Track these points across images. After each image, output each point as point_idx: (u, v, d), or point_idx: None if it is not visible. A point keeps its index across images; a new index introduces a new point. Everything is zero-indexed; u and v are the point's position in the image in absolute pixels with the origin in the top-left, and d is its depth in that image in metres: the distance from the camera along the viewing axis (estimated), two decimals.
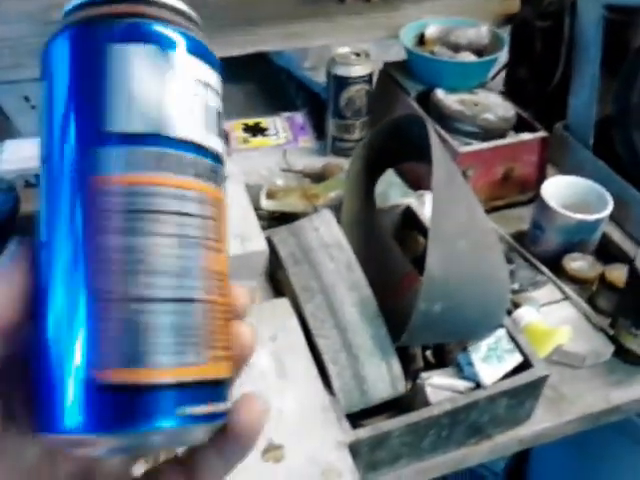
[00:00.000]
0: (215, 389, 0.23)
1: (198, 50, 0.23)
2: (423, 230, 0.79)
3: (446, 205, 0.63)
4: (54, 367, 0.21)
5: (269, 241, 0.73)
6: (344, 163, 0.92)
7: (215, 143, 0.23)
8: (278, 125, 1.05)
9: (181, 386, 0.21)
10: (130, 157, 0.21)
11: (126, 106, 0.21)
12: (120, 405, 0.20)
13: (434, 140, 0.64)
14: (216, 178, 0.23)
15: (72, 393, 0.20)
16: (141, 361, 0.21)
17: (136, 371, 0.21)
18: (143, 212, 0.21)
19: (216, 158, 0.23)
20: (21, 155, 0.85)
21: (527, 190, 0.96)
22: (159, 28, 0.22)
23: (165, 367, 0.21)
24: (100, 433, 0.21)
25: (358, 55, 0.96)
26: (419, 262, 0.73)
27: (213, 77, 0.24)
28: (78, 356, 0.21)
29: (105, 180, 0.21)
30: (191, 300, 0.22)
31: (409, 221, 0.83)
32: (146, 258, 0.21)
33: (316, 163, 0.98)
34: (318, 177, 0.95)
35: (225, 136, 1.00)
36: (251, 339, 0.25)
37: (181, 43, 0.22)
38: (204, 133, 0.23)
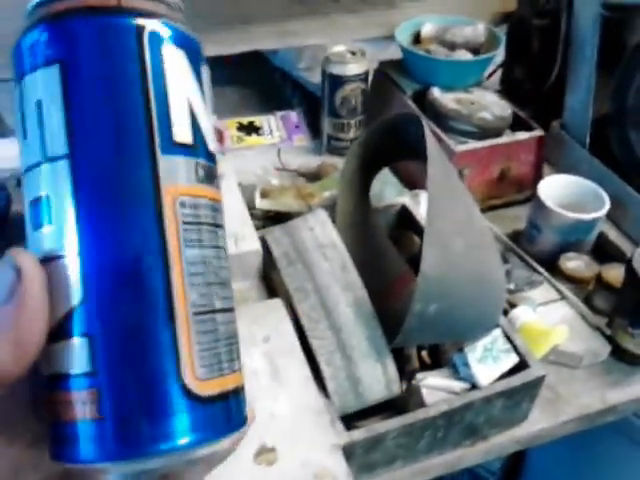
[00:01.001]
0: (243, 395, 0.23)
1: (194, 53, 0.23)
2: (418, 230, 0.79)
3: (441, 204, 0.62)
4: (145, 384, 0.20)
5: (263, 241, 0.72)
6: (339, 162, 0.92)
7: (215, 146, 0.23)
8: (272, 124, 1.04)
9: (235, 392, 0.22)
10: (187, 168, 0.21)
11: (184, 116, 0.22)
12: (214, 413, 0.21)
13: (430, 139, 0.63)
14: (214, 182, 0.23)
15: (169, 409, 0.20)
16: (222, 370, 0.22)
17: (220, 380, 0.22)
18: (205, 224, 0.22)
19: (213, 160, 0.23)
20: (13, 154, 0.84)
21: (523, 189, 0.96)
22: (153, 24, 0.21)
23: (231, 375, 0.22)
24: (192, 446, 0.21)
25: (353, 54, 0.96)
26: (414, 262, 0.73)
27: (206, 77, 0.23)
28: (170, 366, 0.21)
29: (176, 190, 0.21)
30: (231, 310, 0.23)
31: (404, 221, 0.83)
32: (213, 270, 0.22)
33: (311, 162, 0.97)
34: (313, 176, 0.94)
35: (219, 135, 0.99)
36: None
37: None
38: (213, 141, 0.23)
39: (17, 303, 0.19)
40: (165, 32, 0.21)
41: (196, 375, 0.21)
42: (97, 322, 0.20)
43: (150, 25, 0.21)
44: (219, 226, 0.23)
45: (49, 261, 0.20)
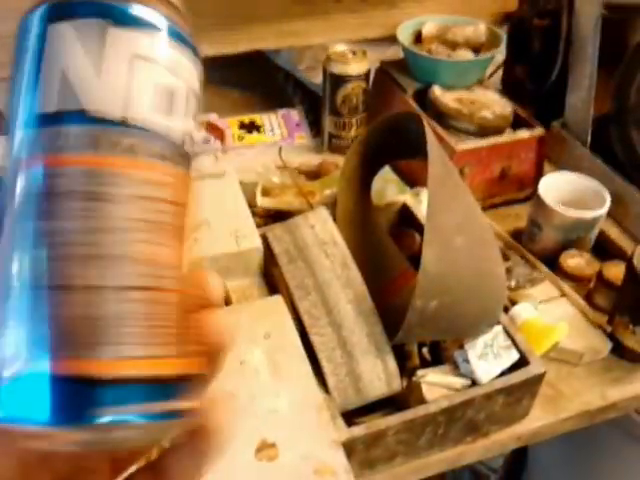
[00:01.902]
0: (176, 385, 0.21)
1: (137, 21, 0.22)
2: (419, 227, 0.79)
3: (442, 202, 0.62)
4: (7, 353, 0.20)
5: (264, 238, 0.73)
6: (340, 160, 0.92)
7: (161, 123, 0.22)
8: (273, 122, 1.04)
9: (138, 380, 0.20)
10: (80, 137, 0.20)
11: (53, 85, 0.21)
12: (74, 397, 0.19)
13: (430, 137, 0.63)
14: (175, 160, 0.22)
15: (25, 382, 0.20)
16: (96, 352, 0.20)
17: (91, 362, 0.20)
18: (95, 194, 0.20)
19: (163, 138, 0.22)
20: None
21: (524, 187, 0.96)
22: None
23: (121, 359, 0.20)
24: (50, 425, 0.20)
25: (354, 53, 0.96)
26: (415, 259, 0.73)
27: (168, 50, 0.22)
28: (34, 344, 0.20)
29: (56, 160, 0.20)
30: (148, 289, 0.21)
31: (405, 218, 0.83)
32: (100, 242, 0.20)
33: (312, 160, 0.97)
34: (314, 174, 0.94)
35: (221, 134, 1.00)
36: (226, 328, 0.23)
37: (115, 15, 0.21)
38: (146, 112, 0.21)
39: None
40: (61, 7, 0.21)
41: (49, 355, 0.20)
42: None
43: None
44: (144, 198, 0.21)
45: None
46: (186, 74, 0.23)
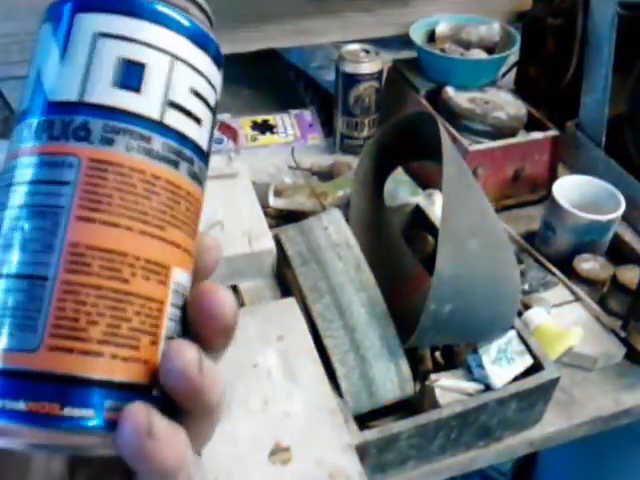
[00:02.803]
0: (58, 387, 0.19)
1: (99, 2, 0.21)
2: (432, 230, 0.79)
3: (457, 204, 0.62)
4: None
5: (277, 240, 0.72)
6: (353, 161, 0.92)
7: (121, 101, 0.21)
8: (287, 122, 1.04)
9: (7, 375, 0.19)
10: (18, 132, 0.21)
11: (27, 83, 0.22)
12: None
13: (445, 139, 0.63)
14: (105, 140, 0.20)
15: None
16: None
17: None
18: (9, 182, 0.20)
19: (115, 116, 0.20)
20: None
21: (538, 189, 0.95)
22: None
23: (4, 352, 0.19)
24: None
25: (367, 52, 0.96)
26: (428, 262, 0.72)
27: (124, 25, 0.21)
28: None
29: (17, 153, 0.21)
30: (43, 278, 0.19)
31: (418, 220, 0.82)
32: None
33: (324, 161, 0.97)
34: (326, 175, 0.94)
35: (234, 134, 0.99)
36: (215, 247, 0.22)
37: None
38: (91, 92, 0.20)
39: None
40: None
41: None
42: None
43: None
44: (43, 182, 0.20)
45: None
46: (163, 48, 0.21)
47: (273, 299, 0.70)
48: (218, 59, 0.23)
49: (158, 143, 0.21)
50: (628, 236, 0.88)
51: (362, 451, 0.57)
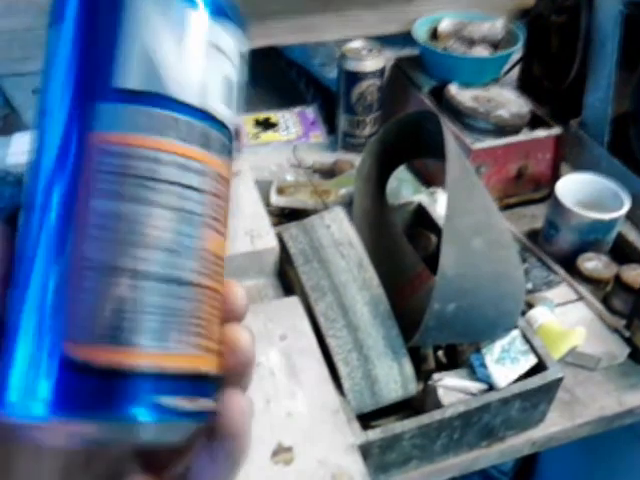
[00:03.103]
0: (200, 384, 0.20)
1: (222, 13, 0.21)
2: (435, 228, 0.78)
3: (460, 203, 0.61)
4: (24, 337, 0.19)
5: (279, 238, 0.72)
6: (355, 159, 0.91)
7: (227, 115, 0.22)
8: (289, 120, 1.03)
9: (161, 375, 0.19)
10: (132, 117, 0.20)
11: (136, 61, 0.20)
12: (91, 386, 0.18)
13: (448, 137, 0.63)
14: (225, 152, 0.22)
15: (39, 368, 0.18)
16: (119, 340, 0.18)
17: (112, 350, 0.18)
18: (141, 178, 0.19)
19: (226, 131, 0.22)
20: (29, 148, 0.84)
21: (541, 188, 0.95)
22: None
23: (146, 351, 0.19)
24: (64, 417, 0.18)
25: (370, 50, 0.95)
26: (431, 260, 0.72)
27: (235, 45, 0.22)
28: (50, 327, 0.19)
29: (103, 138, 0.19)
30: (183, 282, 0.20)
31: (421, 219, 0.82)
32: (138, 228, 0.19)
33: (326, 159, 0.96)
34: (328, 173, 0.94)
35: (236, 131, 0.99)
36: (250, 345, 0.23)
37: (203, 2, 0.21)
38: (216, 102, 0.21)
39: None
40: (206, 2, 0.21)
41: (75, 338, 0.18)
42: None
43: None
44: (190, 187, 0.20)
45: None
46: (241, 69, 0.23)
47: (275, 298, 0.70)
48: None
49: (234, 151, 0.23)
50: (632, 235, 0.87)
51: (365, 451, 0.57)
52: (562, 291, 0.80)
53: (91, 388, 0.18)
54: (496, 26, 0.99)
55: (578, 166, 0.95)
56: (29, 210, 0.20)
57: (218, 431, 0.22)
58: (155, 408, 0.19)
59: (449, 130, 0.64)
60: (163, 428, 0.20)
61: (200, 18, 0.21)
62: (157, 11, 0.20)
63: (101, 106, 0.19)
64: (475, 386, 0.63)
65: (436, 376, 0.64)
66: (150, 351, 0.19)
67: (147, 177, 0.19)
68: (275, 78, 1.15)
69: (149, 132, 0.20)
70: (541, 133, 0.92)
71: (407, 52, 1.04)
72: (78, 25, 0.20)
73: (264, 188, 0.82)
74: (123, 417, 0.19)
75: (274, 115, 1.04)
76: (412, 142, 0.73)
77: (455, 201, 0.60)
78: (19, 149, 0.86)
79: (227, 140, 0.22)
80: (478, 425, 0.63)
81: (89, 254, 0.19)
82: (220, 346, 0.22)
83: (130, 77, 0.20)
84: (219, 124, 0.21)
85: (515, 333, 0.66)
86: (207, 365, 0.21)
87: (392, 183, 0.81)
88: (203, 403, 0.21)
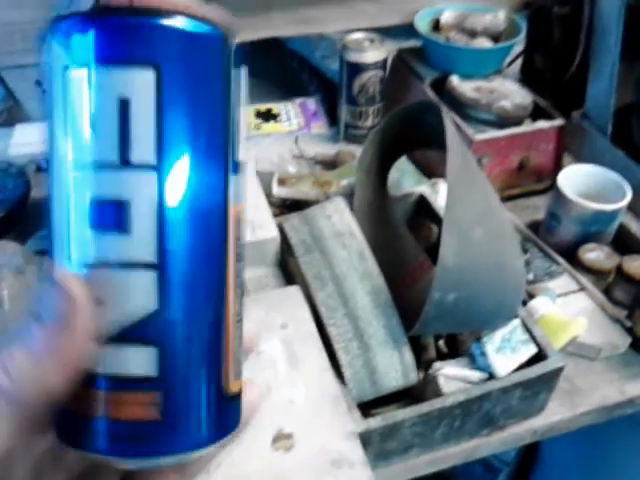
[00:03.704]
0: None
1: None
2: (436, 219, 0.78)
3: (461, 193, 0.62)
4: (185, 390, 0.22)
5: (280, 228, 0.72)
6: (356, 150, 0.91)
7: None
8: (290, 111, 1.03)
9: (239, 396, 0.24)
10: (239, 185, 0.24)
11: (240, 132, 0.23)
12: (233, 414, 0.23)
13: (449, 128, 0.63)
14: None
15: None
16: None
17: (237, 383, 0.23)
18: (242, 237, 0.24)
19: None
20: (32, 140, 0.84)
21: (543, 179, 0.95)
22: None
23: (240, 379, 0.24)
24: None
25: (372, 41, 0.95)
26: (432, 251, 0.72)
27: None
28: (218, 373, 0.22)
29: (235, 208, 0.23)
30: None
31: (422, 210, 0.82)
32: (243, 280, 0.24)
33: (328, 150, 0.97)
34: (330, 164, 0.94)
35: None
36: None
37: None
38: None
39: (69, 328, 0.20)
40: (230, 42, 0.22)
41: (231, 381, 0.23)
42: (168, 332, 0.21)
43: (228, 36, 0.22)
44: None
45: (121, 267, 0.21)
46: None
47: (276, 287, 0.70)
48: None
49: None
50: (634, 226, 0.87)
51: (365, 439, 0.57)
52: (564, 282, 0.80)
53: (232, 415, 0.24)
54: (498, 17, 0.99)
55: (580, 157, 0.95)
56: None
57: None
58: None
59: (450, 121, 0.64)
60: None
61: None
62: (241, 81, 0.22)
63: (234, 179, 0.23)
64: (475, 375, 0.63)
65: (436, 365, 0.64)
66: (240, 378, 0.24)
67: (242, 236, 0.25)
68: (277, 69, 1.15)
69: (241, 197, 0.24)
70: (543, 124, 0.91)
71: (410, 44, 1.03)
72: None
73: (265, 179, 0.82)
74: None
75: (275, 106, 1.04)
76: (413, 133, 0.73)
77: (455, 191, 0.60)
78: (21, 140, 0.87)
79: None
80: (479, 414, 0.63)
81: (235, 309, 0.24)
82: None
83: (240, 148, 0.23)
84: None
85: (516, 322, 0.66)
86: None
87: (393, 174, 0.81)
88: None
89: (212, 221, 0.21)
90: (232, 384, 0.23)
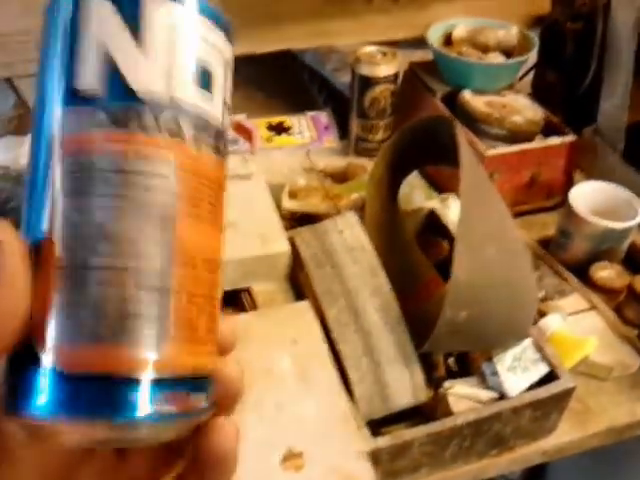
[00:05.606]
0: (188, 383, 0.20)
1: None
2: (446, 234, 0.78)
3: (474, 210, 0.61)
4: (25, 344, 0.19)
5: (291, 242, 0.72)
6: (367, 163, 0.91)
7: (201, 102, 0.21)
8: (302, 124, 1.03)
9: (154, 378, 0.19)
10: (93, 115, 0.20)
11: (90, 60, 0.20)
12: (81, 391, 0.19)
13: (463, 144, 0.62)
14: (205, 142, 0.21)
15: (37, 375, 0.19)
16: (105, 343, 0.19)
17: (99, 354, 0.19)
18: (106, 172, 0.19)
19: (204, 120, 0.21)
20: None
21: (553, 195, 0.94)
22: None
23: (132, 353, 0.19)
24: (59, 419, 0.19)
25: (384, 54, 0.95)
26: (442, 267, 0.72)
27: (212, 34, 0.21)
28: (44, 332, 0.19)
29: (67, 139, 0.20)
30: (158, 284, 0.20)
31: (432, 225, 0.82)
32: (102, 224, 0.19)
33: (338, 163, 0.96)
34: (340, 177, 0.93)
35: (249, 135, 0.99)
36: (239, 378, 0.23)
37: None
38: (187, 91, 0.20)
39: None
40: None
41: (64, 344, 0.19)
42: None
43: None
44: (160, 176, 0.20)
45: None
46: (221, 52, 0.22)
47: (286, 302, 0.70)
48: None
49: (222, 143, 0.22)
50: None
51: (374, 457, 0.57)
52: (574, 300, 0.80)
53: (81, 392, 0.19)
54: (511, 33, 0.99)
55: (591, 174, 0.95)
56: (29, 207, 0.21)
57: (205, 456, 0.22)
58: (143, 408, 0.19)
59: (463, 136, 0.64)
60: (158, 427, 0.20)
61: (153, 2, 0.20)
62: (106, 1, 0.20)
63: (64, 109, 0.20)
64: (486, 394, 0.63)
65: (447, 384, 0.63)
66: (135, 353, 0.19)
67: (111, 170, 0.19)
68: (287, 82, 1.15)
69: (110, 128, 0.20)
70: (555, 140, 0.91)
71: (420, 54, 1.03)
72: (49, 29, 0.21)
73: (276, 192, 0.82)
74: (117, 418, 0.19)
75: (288, 119, 1.04)
76: (426, 148, 0.73)
77: (469, 208, 0.60)
78: None
79: (207, 128, 0.21)
80: (489, 434, 0.63)
81: (61, 254, 0.19)
82: (213, 344, 0.22)
83: (87, 77, 0.20)
84: (191, 112, 0.20)
85: (527, 342, 0.65)
86: (196, 365, 0.21)
87: (404, 189, 0.81)
88: (194, 402, 0.21)
89: (38, 154, 0.21)
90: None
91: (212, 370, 0.22)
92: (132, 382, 0.19)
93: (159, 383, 0.20)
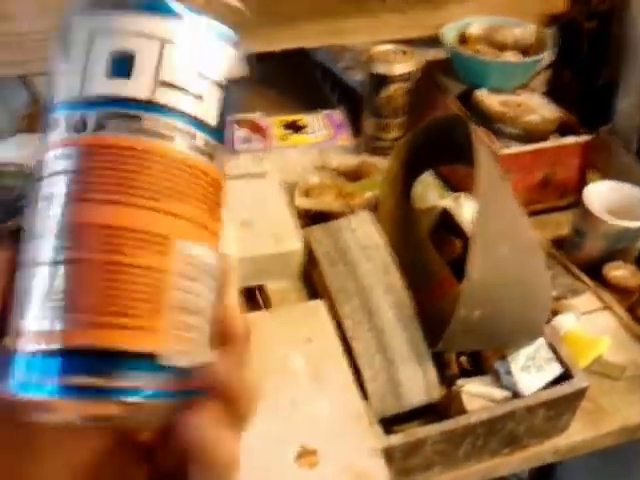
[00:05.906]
0: (103, 360, 0.20)
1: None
2: (460, 233, 0.78)
3: (489, 209, 0.61)
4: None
5: (305, 240, 0.72)
6: (380, 162, 0.91)
7: (109, 88, 0.22)
8: (316, 123, 1.04)
9: (69, 352, 0.20)
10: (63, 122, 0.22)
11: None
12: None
13: (478, 142, 0.62)
14: (112, 126, 0.22)
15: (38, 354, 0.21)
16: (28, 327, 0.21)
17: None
18: (36, 179, 0.22)
19: (106, 104, 0.22)
20: None
21: (567, 195, 0.94)
22: None
23: (33, 331, 0.21)
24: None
25: (400, 53, 0.95)
26: (455, 265, 0.72)
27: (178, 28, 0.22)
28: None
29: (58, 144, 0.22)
30: (59, 261, 0.21)
31: (446, 223, 0.82)
32: (31, 222, 0.22)
33: (351, 161, 0.97)
34: (353, 175, 0.94)
35: (264, 133, 0.99)
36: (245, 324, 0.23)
37: None
38: (86, 85, 0.22)
39: None
40: None
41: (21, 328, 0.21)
42: None
43: None
44: (63, 172, 0.22)
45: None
46: (152, 34, 0.22)
47: (299, 300, 0.70)
48: (225, 36, 0.24)
49: (148, 121, 0.22)
50: None
51: (387, 455, 0.57)
52: (587, 299, 0.79)
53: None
54: (527, 31, 0.99)
55: (606, 173, 0.94)
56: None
57: (175, 447, 0.21)
58: (50, 385, 0.20)
59: (479, 136, 0.64)
60: (73, 403, 0.20)
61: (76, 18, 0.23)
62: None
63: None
64: (499, 393, 0.63)
65: (460, 382, 0.63)
66: (35, 331, 0.21)
67: (37, 177, 0.22)
68: (300, 80, 1.15)
69: (45, 137, 0.22)
70: (569, 139, 0.91)
71: (434, 53, 1.03)
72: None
73: (290, 190, 0.82)
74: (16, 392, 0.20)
75: (302, 117, 1.04)
76: (440, 147, 0.73)
77: (484, 208, 0.60)
78: None
79: (118, 113, 0.22)
80: (502, 432, 0.63)
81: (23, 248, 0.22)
82: (137, 318, 0.21)
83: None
84: (99, 102, 0.22)
85: (540, 341, 0.65)
86: (110, 341, 0.20)
87: (417, 187, 0.81)
88: (115, 381, 0.20)
89: None
90: None
91: (157, 350, 0.21)
92: (34, 354, 0.20)
93: (62, 355, 0.20)
